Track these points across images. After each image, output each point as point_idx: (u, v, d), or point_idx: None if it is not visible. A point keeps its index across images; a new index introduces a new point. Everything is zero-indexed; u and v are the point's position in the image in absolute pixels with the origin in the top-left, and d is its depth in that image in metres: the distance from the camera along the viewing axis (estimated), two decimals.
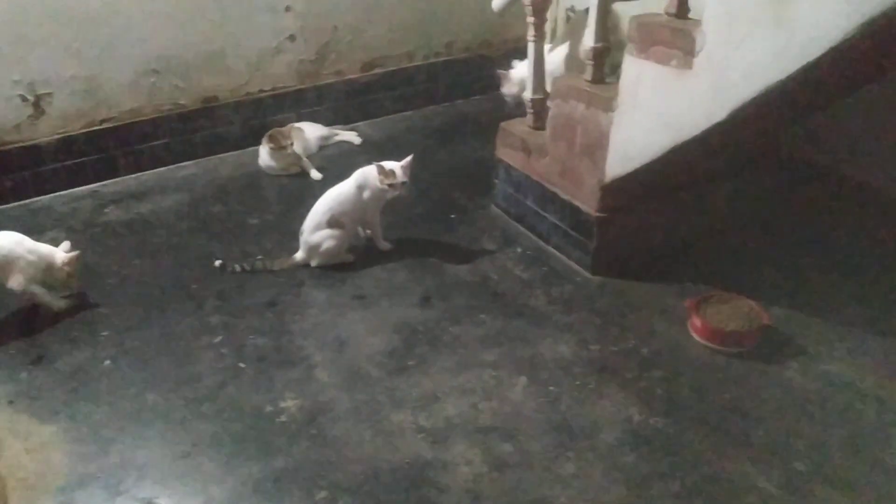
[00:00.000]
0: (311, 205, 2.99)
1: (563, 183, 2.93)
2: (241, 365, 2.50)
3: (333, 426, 2.25)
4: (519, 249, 3.10)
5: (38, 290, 2.73)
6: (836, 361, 2.46)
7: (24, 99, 3.43)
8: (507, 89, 3.96)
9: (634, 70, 2.45)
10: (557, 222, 3.00)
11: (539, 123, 3.09)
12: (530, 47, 3.04)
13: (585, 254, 2.90)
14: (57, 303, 2.78)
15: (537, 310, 2.74)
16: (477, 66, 4.57)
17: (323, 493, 2.03)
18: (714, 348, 2.50)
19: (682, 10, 2.39)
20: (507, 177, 3.26)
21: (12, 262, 2.65)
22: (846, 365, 2.44)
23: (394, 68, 4.37)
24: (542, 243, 3.11)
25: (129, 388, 2.42)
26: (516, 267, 2.99)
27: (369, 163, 2.97)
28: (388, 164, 2.90)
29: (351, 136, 4.06)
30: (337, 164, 3.68)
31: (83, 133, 3.61)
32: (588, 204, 2.82)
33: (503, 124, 3.25)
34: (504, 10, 3.11)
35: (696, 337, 2.55)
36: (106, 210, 3.49)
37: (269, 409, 2.32)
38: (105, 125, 3.66)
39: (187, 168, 3.87)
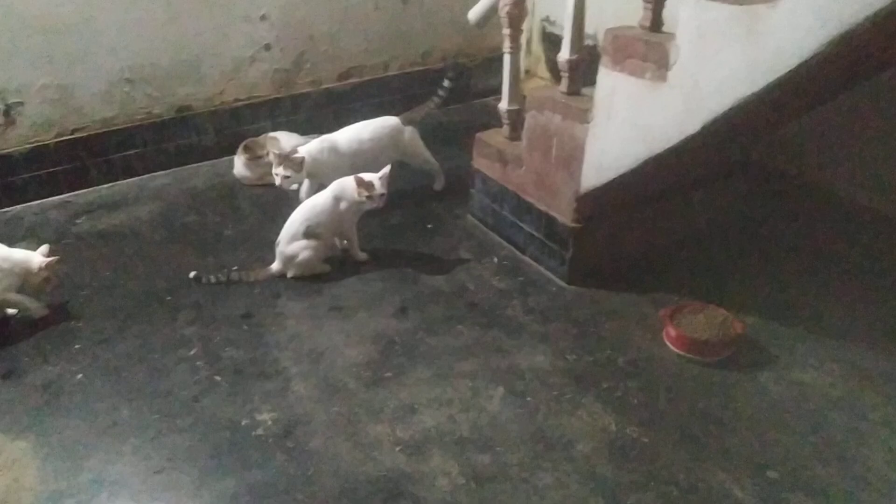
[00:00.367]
0: (288, 215, 2.98)
1: (539, 193, 2.95)
2: (217, 378, 2.48)
3: (310, 439, 2.24)
4: (495, 259, 3.11)
5: (16, 298, 2.69)
6: (809, 369, 2.49)
7: None
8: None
9: (609, 82, 2.47)
10: (534, 232, 3.01)
11: (515, 134, 3.11)
12: (506, 59, 3.05)
13: (561, 264, 2.91)
14: (39, 310, 2.74)
15: (514, 320, 2.75)
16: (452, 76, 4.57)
17: None
18: (688, 358, 2.52)
19: (655, 23, 2.41)
20: (484, 187, 3.27)
21: None
22: (819, 373, 2.48)
23: (370, 77, 4.37)
24: (518, 253, 3.13)
25: (102, 403, 2.39)
26: (493, 277, 3.00)
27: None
28: (367, 176, 2.90)
29: None
30: None
31: (55, 142, 3.58)
32: (564, 214, 2.83)
33: (479, 135, 3.27)
34: (480, 21, 3.13)
35: (670, 346, 2.57)
36: (78, 220, 3.45)
37: (245, 422, 2.30)
38: (77, 134, 3.63)
39: (161, 178, 3.84)
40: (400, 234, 3.31)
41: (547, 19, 4.43)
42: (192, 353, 2.60)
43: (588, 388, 2.43)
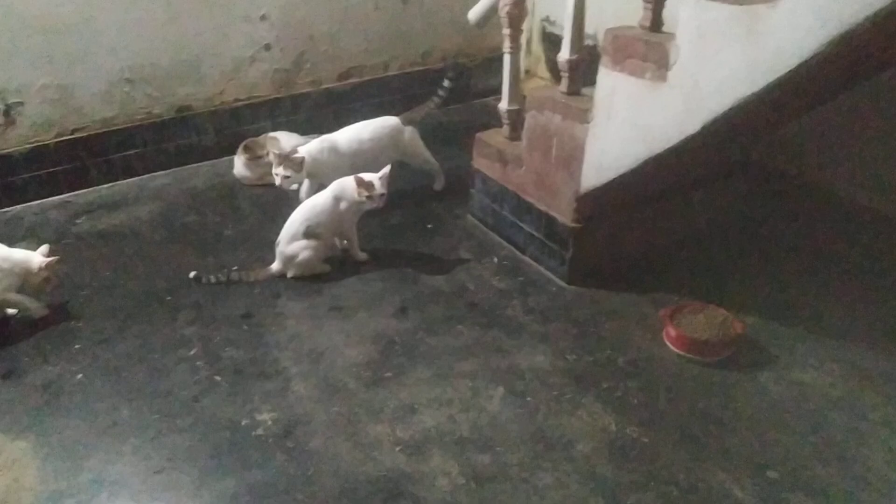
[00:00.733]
0: (287, 215, 2.98)
1: (538, 193, 2.95)
2: (217, 378, 2.48)
3: (310, 439, 2.24)
4: (495, 259, 3.11)
5: (16, 298, 2.69)
6: (809, 369, 2.49)
7: None
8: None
9: (609, 82, 2.47)
10: (534, 232, 3.01)
11: (515, 134, 3.11)
12: (506, 59, 3.05)
13: (561, 264, 2.91)
14: (39, 310, 2.74)
15: (514, 320, 2.75)
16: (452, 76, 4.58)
17: None
18: (688, 358, 2.52)
19: (655, 23, 2.41)
20: (484, 187, 3.27)
21: None
22: (818, 373, 2.48)
23: (370, 77, 4.37)
24: (518, 253, 3.13)
25: (102, 403, 2.39)
26: (493, 277, 3.00)
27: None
28: (367, 176, 2.90)
29: None
30: None
31: (55, 142, 3.58)
32: (564, 214, 2.83)
33: (479, 135, 3.27)
34: (480, 21, 3.13)
35: (670, 346, 2.57)
36: (78, 220, 3.45)
37: (245, 422, 2.30)
38: (77, 134, 3.63)
39: (161, 178, 3.84)
40: (400, 234, 3.31)
41: (547, 19, 4.43)
42: (192, 353, 2.60)
43: (588, 388, 2.43)
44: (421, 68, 4.50)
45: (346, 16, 4.14)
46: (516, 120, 3.10)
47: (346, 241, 3.08)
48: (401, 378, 2.48)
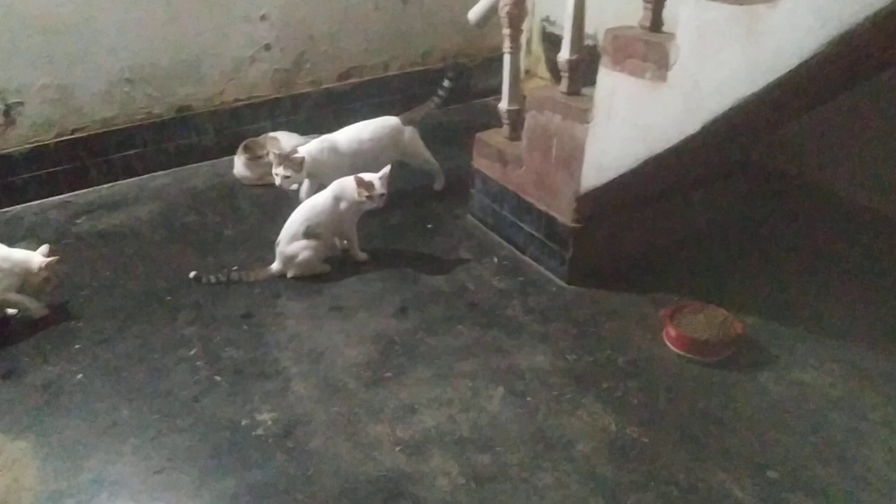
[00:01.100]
0: (287, 215, 2.98)
1: (538, 193, 2.95)
2: (217, 378, 2.48)
3: (310, 439, 2.24)
4: (495, 259, 3.11)
5: (16, 298, 2.69)
6: (809, 369, 2.49)
7: None
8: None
9: (609, 82, 2.47)
10: (534, 232, 3.01)
11: (515, 134, 3.11)
12: (506, 59, 3.05)
13: (561, 264, 2.91)
14: (40, 310, 2.74)
15: (514, 320, 2.75)
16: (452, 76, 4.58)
17: None
18: (688, 358, 2.52)
19: (655, 23, 2.41)
20: (484, 187, 3.27)
21: None
22: (818, 373, 2.48)
23: (370, 77, 4.37)
24: (518, 253, 3.13)
25: (102, 403, 2.39)
26: (493, 277, 3.00)
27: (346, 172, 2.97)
28: (367, 176, 2.90)
29: None
30: None
31: (55, 142, 3.58)
32: (564, 214, 2.83)
33: (479, 135, 3.27)
34: (480, 21, 3.12)
35: (670, 346, 2.57)
36: (78, 220, 3.45)
37: (245, 422, 2.30)
38: (77, 134, 3.63)
39: (161, 178, 3.84)
40: (400, 234, 3.31)
41: (547, 19, 4.43)
42: (192, 353, 2.60)
43: (588, 388, 2.43)
44: (421, 68, 4.50)
45: (346, 16, 4.14)
46: (516, 120, 3.10)
47: (346, 241, 3.08)
48: (401, 378, 2.48)
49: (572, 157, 2.71)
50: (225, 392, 2.42)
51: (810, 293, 2.87)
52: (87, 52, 3.51)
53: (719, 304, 2.65)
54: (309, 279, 2.96)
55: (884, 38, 1.95)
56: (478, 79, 4.67)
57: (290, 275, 2.97)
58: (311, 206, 2.94)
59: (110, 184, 3.75)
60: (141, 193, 3.69)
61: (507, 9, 2.93)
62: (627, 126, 2.46)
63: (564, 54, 2.73)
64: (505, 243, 3.20)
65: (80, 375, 2.50)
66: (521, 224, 3.07)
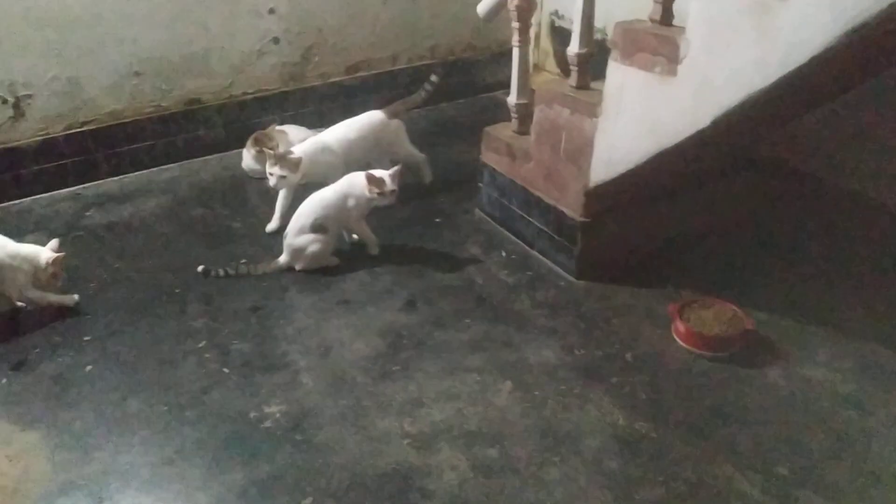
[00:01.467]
0: (296, 208, 2.98)
1: (547, 188, 2.94)
2: (225, 370, 2.49)
3: (319, 432, 2.24)
4: (504, 254, 3.11)
5: (35, 295, 2.70)
6: (819, 366, 2.48)
7: (3, 101, 3.40)
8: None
9: (619, 76, 2.46)
10: (542, 227, 3.01)
11: (524, 128, 3.10)
12: (515, 52, 3.05)
13: (570, 258, 2.91)
14: (67, 300, 2.77)
15: (522, 314, 2.75)
16: (461, 69, 4.58)
17: (308, 500, 2.02)
18: (698, 353, 2.52)
19: (666, 16, 2.40)
20: (492, 181, 3.26)
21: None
22: (828, 369, 2.47)
23: (378, 71, 4.37)
24: (526, 248, 3.12)
25: (111, 394, 2.40)
26: (501, 271, 3.00)
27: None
28: (378, 173, 2.90)
29: None
30: None
31: (64, 135, 3.59)
32: (572, 209, 2.83)
33: (488, 129, 3.26)
34: (489, 15, 3.11)
35: (679, 341, 2.57)
36: (87, 213, 3.46)
37: (253, 414, 2.31)
38: (86, 127, 3.63)
39: (170, 171, 3.84)
40: (408, 229, 3.30)
41: (556, 13, 4.42)
42: (200, 345, 2.60)
43: (596, 382, 2.42)
44: (429, 62, 4.49)
45: (354, 9, 4.14)
46: (525, 114, 3.10)
47: (356, 235, 3.08)
48: (409, 372, 2.48)
49: (581, 152, 2.70)
50: (233, 384, 2.43)
51: (821, 289, 2.86)
52: (96, 45, 3.51)
53: (729, 300, 2.64)
54: (317, 273, 2.97)
55: None
56: (486, 73, 4.66)
57: (298, 267, 2.97)
58: (318, 200, 2.94)
59: (119, 176, 3.75)
60: (150, 186, 3.70)
61: (516, 3, 2.91)
62: (637, 120, 2.45)
63: (574, 48, 2.72)
64: (513, 238, 3.19)
65: (89, 367, 2.51)
66: (530, 218, 3.07)
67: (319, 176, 3.15)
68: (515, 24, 2.98)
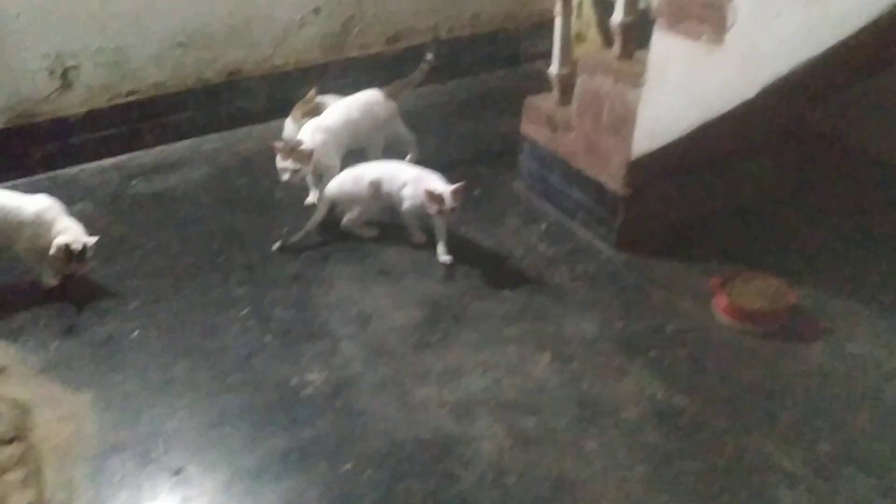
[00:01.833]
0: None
1: (588, 159, 2.91)
2: (267, 338, 2.53)
3: (358, 399, 2.28)
4: (543, 226, 3.09)
5: (34, 259, 2.70)
6: (862, 342, 2.44)
7: (51, 72, 3.45)
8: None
9: (664, 45, 2.42)
10: (582, 199, 2.98)
11: (565, 99, 3.07)
12: (557, 22, 3.00)
13: (610, 231, 2.89)
14: (49, 279, 2.75)
15: (561, 286, 2.75)
16: (501, 40, 4.54)
17: (348, 465, 2.06)
18: (739, 327, 2.49)
19: None
20: (532, 152, 3.24)
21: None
22: (872, 346, 2.43)
23: (418, 42, 4.34)
24: (566, 220, 3.10)
25: (157, 359, 2.46)
26: (540, 243, 2.99)
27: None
28: (438, 189, 2.75)
29: None
30: None
31: (109, 106, 3.64)
32: (614, 180, 2.80)
33: (529, 99, 3.23)
34: None
35: (721, 316, 2.54)
36: (132, 182, 3.52)
37: (294, 381, 2.35)
38: (131, 98, 3.68)
39: (212, 141, 3.88)
40: None
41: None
42: (243, 313, 2.65)
43: (635, 355, 2.42)
44: (470, 32, 4.45)
45: None
46: (567, 84, 3.06)
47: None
48: (447, 342, 2.50)
49: (624, 123, 2.67)
50: (275, 352, 2.47)
51: (866, 264, 2.80)
52: (140, 16, 3.54)
53: (772, 274, 2.60)
54: (357, 243, 2.99)
55: None
56: (527, 43, 4.61)
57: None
58: (391, 174, 2.91)
59: (163, 147, 3.80)
60: (193, 156, 3.74)
61: None
62: (681, 90, 2.41)
63: (618, 17, 2.68)
64: (553, 210, 3.18)
65: (136, 333, 2.57)
66: (570, 190, 3.05)
67: (329, 161, 3.11)
68: None
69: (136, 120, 3.72)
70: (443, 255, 2.89)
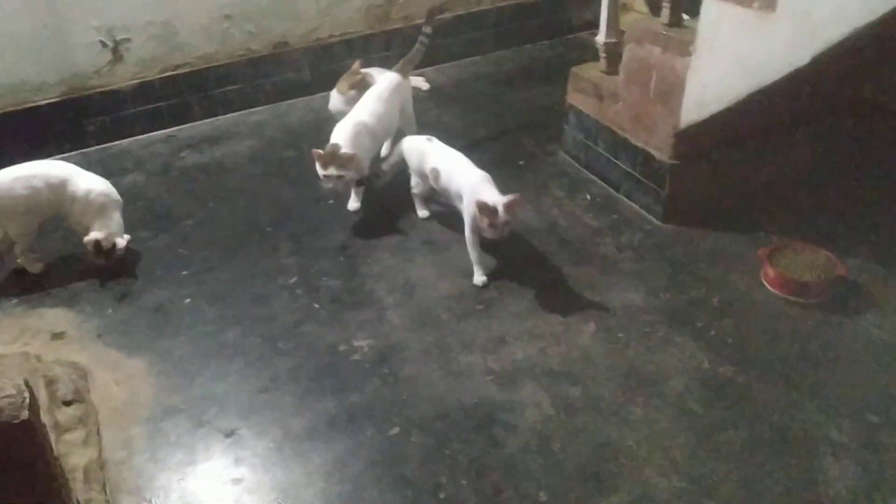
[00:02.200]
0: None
1: (635, 129, 2.89)
2: (315, 305, 2.58)
3: (404, 366, 2.32)
4: (588, 196, 3.08)
5: (21, 249, 2.73)
6: None
7: (103, 45, 3.53)
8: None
9: (714, 12, 2.38)
10: (629, 169, 2.96)
11: (612, 68, 3.04)
12: None
13: (657, 201, 2.87)
14: (33, 266, 2.79)
15: (606, 257, 2.74)
16: (547, 10, 4.49)
17: (395, 429, 2.10)
18: (787, 299, 2.46)
19: None
20: (578, 123, 3.22)
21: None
22: None
23: (462, 13, 4.32)
24: (611, 191, 3.09)
25: (209, 325, 2.52)
26: (585, 214, 2.98)
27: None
28: (491, 201, 2.49)
29: (419, 82, 4.04)
30: None
31: (159, 78, 3.71)
32: (661, 150, 2.77)
33: (575, 69, 3.21)
34: None
35: (768, 287, 2.51)
36: (182, 154, 3.59)
37: (342, 347, 2.40)
38: (180, 70, 3.75)
39: (259, 113, 3.94)
40: (491, 171, 3.24)
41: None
42: (291, 281, 2.70)
43: (681, 326, 2.41)
44: (515, 2, 4.41)
45: None
46: (613, 53, 3.03)
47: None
48: (491, 311, 2.52)
49: (672, 92, 2.64)
50: (323, 319, 2.52)
51: None
52: None
53: (821, 245, 2.56)
54: (402, 213, 3.01)
55: None
56: (574, 12, 4.56)
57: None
58: (459, 172, 2.76)
59: (211, 119, 3.87)
60: (240, 128, 3.80)
61: None
62: (732, 58, 2.38)
63: None
64: (598, 180, 3.16)
65: (188, 300, 2.64)
66: (616, 161, 3.03)
67: (363, 169, 3.03)
68: None
69: (185, 92, 3.78)
70: (479, 276, 2.65)
